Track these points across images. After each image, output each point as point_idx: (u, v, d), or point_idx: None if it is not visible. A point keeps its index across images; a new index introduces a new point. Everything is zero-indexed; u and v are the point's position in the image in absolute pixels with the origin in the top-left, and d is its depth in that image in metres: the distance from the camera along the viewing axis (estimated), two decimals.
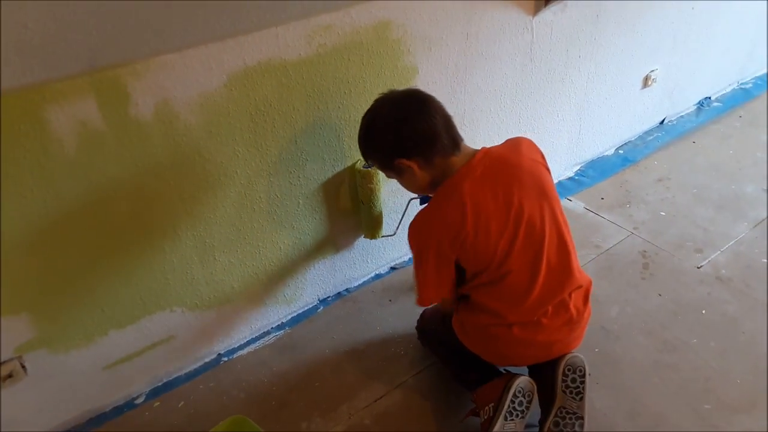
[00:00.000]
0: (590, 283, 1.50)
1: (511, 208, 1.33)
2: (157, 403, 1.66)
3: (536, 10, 1.89)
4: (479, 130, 2.00)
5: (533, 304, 1.38)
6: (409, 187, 1.44)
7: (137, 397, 1.67)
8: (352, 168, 1.76)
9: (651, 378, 1.64)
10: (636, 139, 2.70)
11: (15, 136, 1.18)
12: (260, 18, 1.37)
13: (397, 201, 1.92)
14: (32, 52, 1.12)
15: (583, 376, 1.42)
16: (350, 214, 1.85)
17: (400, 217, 1.92)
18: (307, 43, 1.47)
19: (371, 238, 1.90)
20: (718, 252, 2.04)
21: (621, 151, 2.63)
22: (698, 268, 1.99)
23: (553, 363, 1.44)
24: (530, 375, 1.47)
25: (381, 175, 1.71)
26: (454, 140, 1.35)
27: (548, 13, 1.94)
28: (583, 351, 1.71)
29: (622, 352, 1.72)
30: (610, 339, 1.76)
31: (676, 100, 2.74)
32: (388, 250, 2.03)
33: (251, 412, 1.57)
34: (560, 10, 1.97)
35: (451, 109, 1.77)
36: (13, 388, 1.42)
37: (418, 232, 1.39)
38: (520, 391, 1.39)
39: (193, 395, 1.67)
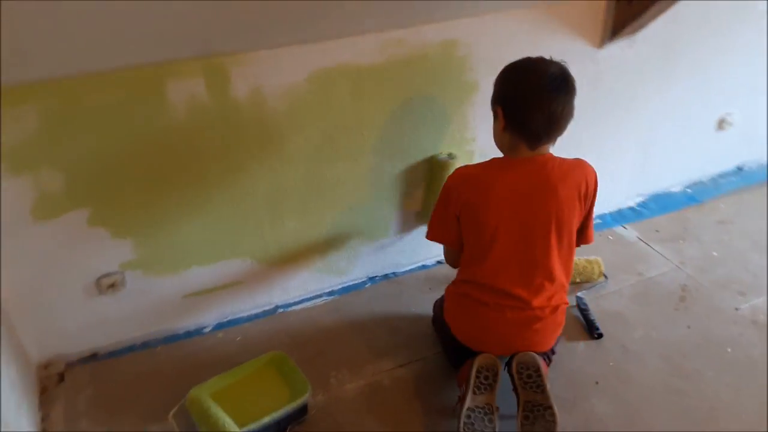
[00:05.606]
0: (565, 303, 1.68)
1: (519, 217, 1.54)
2: (220, 335, 1.98)
3: (602, 43, 2.01)
4: None
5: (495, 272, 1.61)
6: (494, 134, 1.61)
7: (205, 327, 1.99)
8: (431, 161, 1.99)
9: (656, 398, 1.70)
10: (708, 180, 2.69)
11: (143, 100, 1.55)
12: (342, 28, 1.65)
13: None
14: (161, 36, 1.44)
15: (538, 371, 1.55)
16: (406, 208, 2.08)
17: None
18: (380, 53, 1.74)
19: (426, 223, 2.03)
20: (762, 298, 2.03)
21: (689, 190, 2.63)
22: (736, 309, 2.00)
23: (510, 362, 1.60)
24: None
25: None
26: (539, 138, 1.51)
27: (615, 48, 2.05)
28: (597, 363, 1.81)
29: (636, 370, 1.79)
30: (627, 356, 1.83)
31: (755, 147, 2.70)
32: (437, 246, 2.21)
33: (292, 354, 1.82)
34: (628, 46, 2.07)
35: None
36: (113, 296, 1.79)
37: (450, 176, 1.63)
38: (483, 367, 1.56)
39: (249, 333, 1.98)
